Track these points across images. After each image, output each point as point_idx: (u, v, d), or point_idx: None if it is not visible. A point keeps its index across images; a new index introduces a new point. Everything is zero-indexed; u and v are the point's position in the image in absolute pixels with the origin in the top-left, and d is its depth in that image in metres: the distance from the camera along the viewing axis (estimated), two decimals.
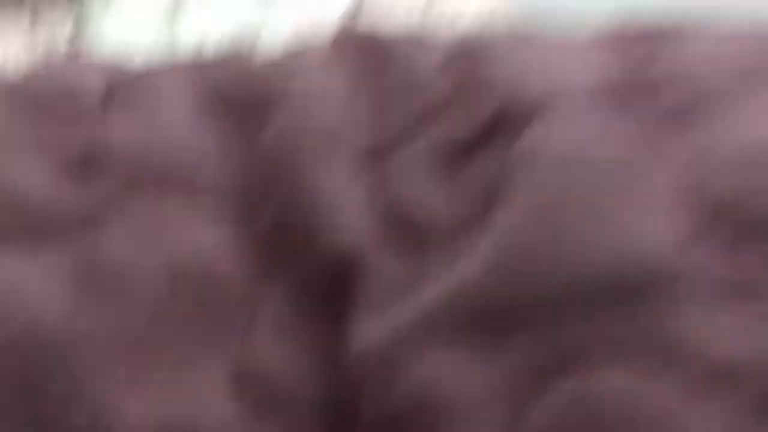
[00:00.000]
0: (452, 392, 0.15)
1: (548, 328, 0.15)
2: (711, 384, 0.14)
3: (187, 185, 0.18)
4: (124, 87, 0.20)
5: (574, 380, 0.14)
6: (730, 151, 0.16)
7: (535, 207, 0.16)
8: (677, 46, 0.20)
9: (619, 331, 0.14)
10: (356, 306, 0.16)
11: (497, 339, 0.15)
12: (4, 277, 0.15)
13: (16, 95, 0.19)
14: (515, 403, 0.15)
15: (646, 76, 0.18)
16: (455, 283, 0.16)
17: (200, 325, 0.16)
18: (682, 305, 0.14)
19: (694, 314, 0.14)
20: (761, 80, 0.18)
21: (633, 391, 0.14)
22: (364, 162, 0.18)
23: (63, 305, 0.15)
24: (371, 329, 0.16)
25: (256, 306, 0.16)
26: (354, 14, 0.22)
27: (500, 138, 0.18)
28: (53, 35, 0.39)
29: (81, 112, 0.19)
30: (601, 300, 0.14)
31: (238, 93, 0.20)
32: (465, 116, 0.18)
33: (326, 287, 0.17)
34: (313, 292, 0.17)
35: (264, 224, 0.17)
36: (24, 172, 0.17)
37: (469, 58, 0.20)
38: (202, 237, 0.17)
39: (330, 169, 0.18)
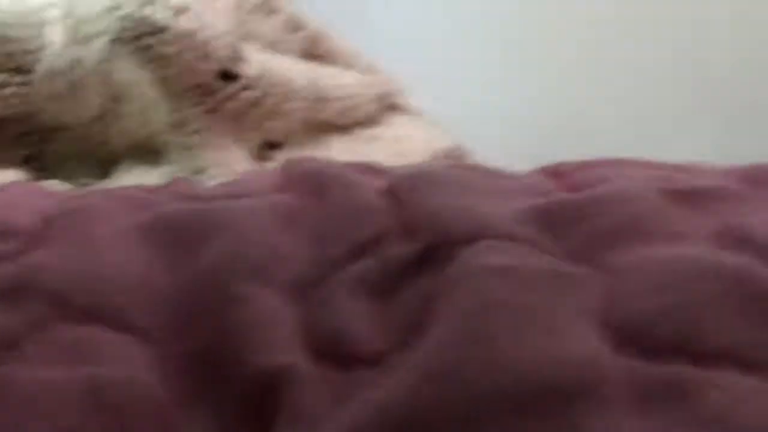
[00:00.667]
0: None
1: None
2: None
3: (117, 309, 0.18)
4: (63, 216, 0.20)
5: None
6: (643, 275, 0.17)
7: (461, 325, 0.16)
8: (600, 177, 0.22)
9: None
10: (283, 425, 0.16)
11: None
12: None
13: None
14: None
15: (572, 205, 0.20)
16: (382, 399, 0.16)
17: None
18: (604, 409, 0.14)
19: (615, 418, 0.14)
20: (676, 207, 0.20)
21: None
22: (295, 291, 0.18)
23: None
24: None
25: (179, 425, 0.16)
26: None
27: (429, 268, 0.18)
28: None
29: (9, 247, 0.19)
30: (526, 407, 0.14)
31: (178, 221, 0.20)
32: (396, 248, 0.19)
33: (254, 407, 0.16)
34: (241, 411, 0.16)
35: (194, 345, 0.17)
36: None
37: (405, 191, 0.21)
38: (126, 361, 0.17)
39: (261, 297, 0.18)
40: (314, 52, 0.50)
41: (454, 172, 0.22)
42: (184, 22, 0.40)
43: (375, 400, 0.16)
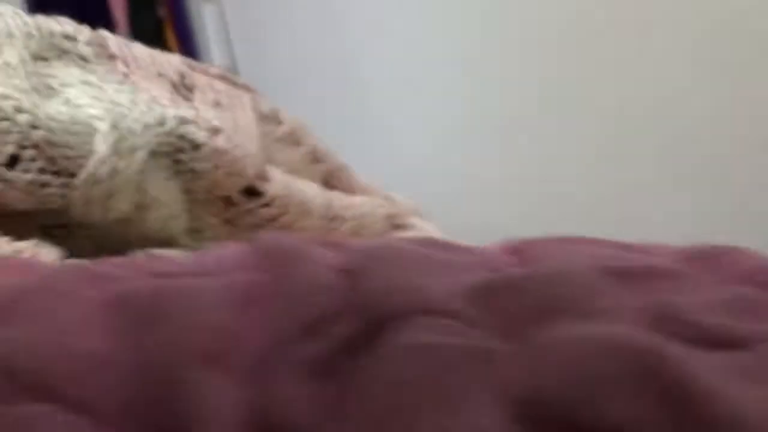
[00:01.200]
0: None
1: None
2: None
3: (69, 390, 0.17)
4: (22, 294, 0.20)
5: None
6: (557, 352, 0.18)
7: (371, 406, 0.17)
8: (548, 254, 0.23)
9: None
10: None
11: None
12: None
13: None
14: None
15: (511, 281, 0.20)
16: None
17: None
18: None
19: None
20: (611, 285, 0.20)
21: None
22: (245, 374, 0.19)
23: None
24: None
25: None
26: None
27: (365, 346, 0.19)
28: None
29: None
30: None
31: (137, 300, 0.20)
32: (343, 327, 0.19)
33: None
34: None
35: (145, 428, 0.17)
36: None
37: (358, 268, 0.22)
38: None
39: (207, 383, 0.18)
40: (333, 182, 0.53)
41: (408, 248, 0.22)
42: (219, 142, 0.43)
43: None
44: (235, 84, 0.51)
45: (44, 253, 0.32)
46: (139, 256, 0.26)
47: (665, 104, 0.94)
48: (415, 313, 0.19)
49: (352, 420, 0.17)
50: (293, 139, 0.50)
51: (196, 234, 0.43)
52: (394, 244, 0.23)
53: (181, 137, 0.41)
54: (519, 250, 0.24)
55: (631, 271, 0.21)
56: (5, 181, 0.33)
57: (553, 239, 0.24)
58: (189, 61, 0.50)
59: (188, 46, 2.67)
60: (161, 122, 0.39)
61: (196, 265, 0.24)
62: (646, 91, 0.95)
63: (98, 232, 0.38)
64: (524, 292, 0.20)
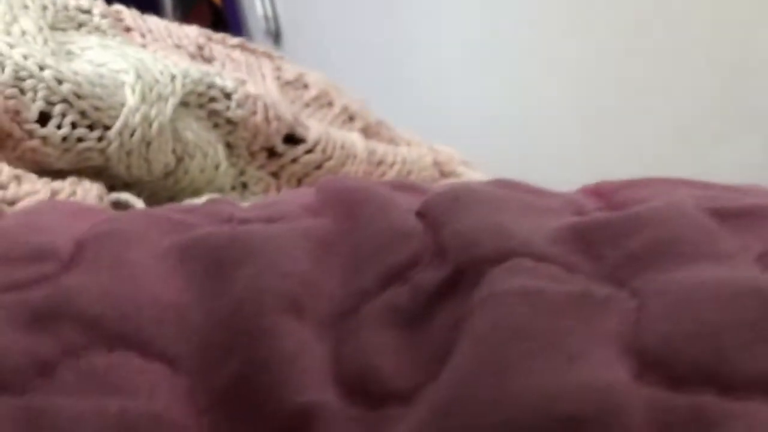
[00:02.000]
0: None
1: None
2: None
3: (147, 338, 0.17)
4: (97, 238, 0.20)
5: None
6: (674, 298, 0.16)
7: (477, 353, 0.15)
8: (641, 196, 0.21)
9: None
10: None
11: None
12: None
13: None
14: None
15: (608, 224, 0.19)
16: (406, 426, 0.15)
17: None
18: None
19: None
20: (719, 227, 0.18)
21: None
22: (327, 324, 0.18)
23: None
24: None
25: None
26: None
27: (457, 292, 0.17)
28: None
29: (45, 269, 0.19)
30: None
31: (211, 246, 0.20)
32: (428, 272, 0.18)
33: None
34: None
35: (225, 377, 0.17)
36: None
37: (439, 211, 0.20)
38: (157, 393, 0.16)
39: (291, 330, 0.17)
40: (372, 137, 0.52)
41: (490, 190, 0.21)
42: (249, 88, 0.42)
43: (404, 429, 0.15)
44: (254, 52, 0.50)
45: (83, 190, 0.32)
46: (206, 202, 0.26)
47: None
48: (509, 257, 0.17)
49: (453, 369, 0.15)
50: (323, 102, 0.49)
51: (243, 189, 0.42)
52: (473, 186, 0.21)
53: (211, 86, 0.40)
54: (602, 193, 0.22)
55: (739, 212, 0.19)
56: (40, 138, 0.33)
57: (639, 181, 0.23)
58: (206, 32, 0.49)
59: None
60: (185, 74, 0.39)
61: (266, 210, 0.22)
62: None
63: (146, 192, 0.37)
64: (626, 234, 0.18)
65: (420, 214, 0.20)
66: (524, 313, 0.16)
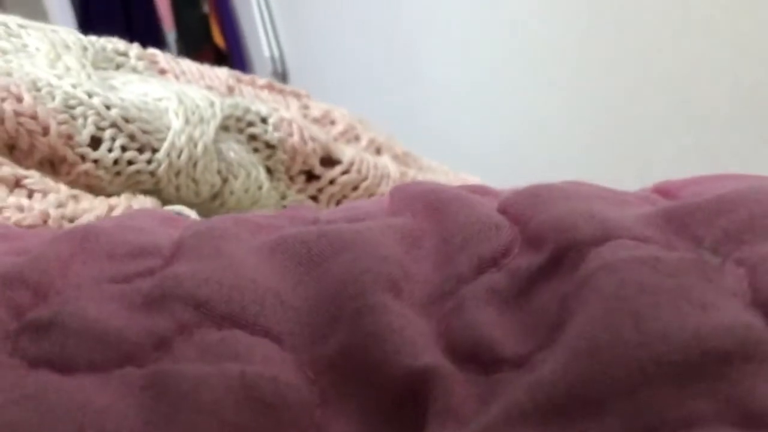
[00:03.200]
0: None
1: (628, 406, 0.14)
2: None
3: (252, 317, 0.18)
4: (194, 236, 0.20)
5: None
6: None
7: (608, 306, 0.15)
8: (712, 187, 0.21)
9: (699, 400, 0.14)
10: (429, 419, 0.15)
11: (578, 425, 0.14)
12: (78, 396, 0.15)
13: (91, 243, 0.20)
14: None
15: (697, 207, 0.19)
16: (533, 382, 0.15)
17: None
18: (760, 373, 0.14)
19: None
20: None
21: None
22: (426, 306, 0.18)
23: (135, 420, 0.15)
24: None
25: (323, 423, 0.16)
26: None
27: (559, 272, 0.18)
28: None
29: (149, 263, 0.20)
30: (686, 373, 0.14)
31: (303, 241, 0.20)
32: (523, 259, 0.19)
33: (400, 406, 0.16)
34: (387, 410, 0.16)
35: (330, 350, 0.17)
36: (100, 308, 0.17)
37: (523, 206, 0.21)
38: (270, 361, 0.17)
39: (395, 307, 0.17)
40: (399, 163, 0.53)
41: (569, 186, 0.21)
42: (282, 113, 0.44)
43: (525, 384, 0.15)
44: (281, 92, 0.51)
45: (138, 203, 0.33)
46: (288, 208, 0.27)
47: None
48: (609, 238, 0.18)
49: (580, 326, 0.15)
50: (350, 136, 0.50)
51: None
52: (550, 184, 0.22)
53: (247, 111, 0.42)
54: (668, 190, 0.23)
55: None
56: (92, 161, 0.34)
57: (700, 177, 0.23)
58: (236, 73, 0.50)
59: (234, 40, 2.71)
60: (223, 101, 0.40)
61: (348, 213, 0.23)
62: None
63: (197, 212, 0.38)
64: (717, 215, 0.18)
65: (501, 210, 0.21)
66: (646, 273, 0.16)
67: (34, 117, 0.33)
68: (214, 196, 0.38)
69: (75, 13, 2.95)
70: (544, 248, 0.18)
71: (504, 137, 1.25)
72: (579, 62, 1.04)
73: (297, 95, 0.53)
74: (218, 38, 2.80)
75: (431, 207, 0.22)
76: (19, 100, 0.33)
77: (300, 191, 0.44)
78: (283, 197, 0.43)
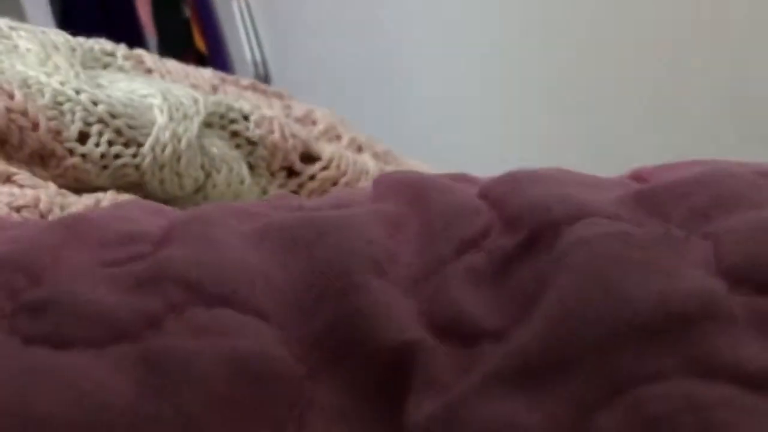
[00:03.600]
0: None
1: (597, 365, 0.15)
2: (755, 391, 0.14)
3: (241, 297, 0.18)
4: (182, 223, 0.21)
5: (628, 394, 0.15)
6: (746, 231, 0.18)
7: (581, 277, 0.17)
8: (684, 170, 0.22)
9: (664, 357, 0.15)
10: (413, 388, 0.16)
11: (550, 385, 0.15)
12: (74, 369, 0.16)
13: (82, 231, 0.21)
14: (576, 423, 0.15)
15: (666, 188, 0.20)
16: (512, 349, 0.16)
17: (258, 410, 0.16)
18: (727, 329, 0.15)
19: (737, 335, 0.15)
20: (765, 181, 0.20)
21: (685, 395, 0.14)
22: (409, 285, 0.19)
23: (128, 392, 0.15)
24: (430, 401, 0.16)
25: (311, 395, 0.17)
26: None
27: (536, 250, 0.19)
28: None
29: (140, 249, 0.20)
30: (655, 332, 0.15)
31: (288, 226, 0.21)
32: (501, 240, 0.20)
33: (385, 377, 0.17)
34: (371, 382, 0.17)
35: (317, 326, 0.18)
36: (93, 290, 0.18)
37: (501, 191, 0.22)
38: (259, 337, 0.17)
39: (379, 286, 0.18)
40: (380, 162, 0.54)
41: (546, 171, 0.23)
42: (264, 111, 0.45)
43: (502, 352, 0.16)
44: (265, 92, 0.53)
45: (122, 198, 0.34)
46: (273, 196, 0.28)
47: None
48: (583, 217, 0.19)
49: (554, 297, 0.16)
50: (331, 135, 0.51)
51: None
52: (529, 170, 0.23)
53: (230, 108, 0.43)
54: (642, 176, 0.24)
55: None
56: (80, 155, 0.35)
57: (672, 164, 0.24)
58: (220, 74, 0.52)
59: (216, 45, 2.71)
60: (206, 98, 0.42)
61: (332, 200, 0.24)
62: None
63: (179, 209, 0.40)
64: (685, 195, 0.20)
65: (481, 196, 0.22)
66: (617, 246, 0.17)
67: (24, 113, 0.34)
68: (198, 190, 0.40)
69: (55, 20, 2.95)
70: (521, 229, 0.19)
71: (483, 137, 1.27)
72: (558, 65, 1.06)
73: (280, 96, 0.54)
74: (199, 42, 2.81)
75: (413, 194, 0.23)
76: (11, 97, 0.34)
77: (281, 186, 0.45)
78: (264, 192, 0.44)
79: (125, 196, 0.35)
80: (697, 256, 0.17)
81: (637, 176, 0.24)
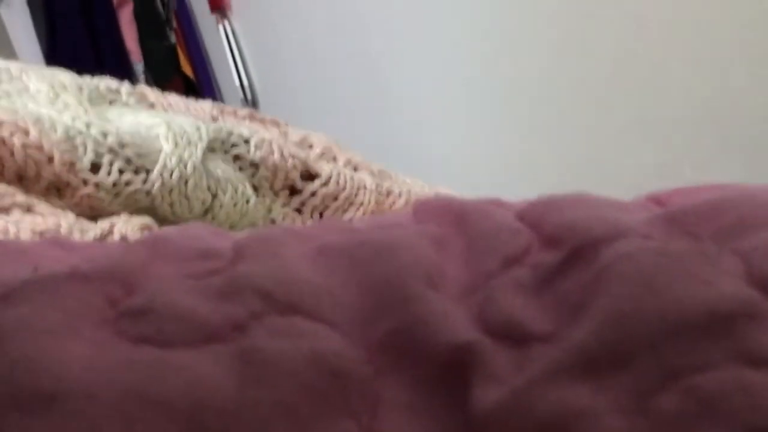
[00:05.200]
0: (578, 417, 0.17)
1: (651, 358, 0.17)
2: None
3: (310, 307, 0.20)
4: (250, 242, 0.24)
5: (682, 381, 0.17)
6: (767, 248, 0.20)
7: (628, 285, 0.19)
8: (694, 197, 0.25)
9: (711, 350, 0.17)
10: (473, 383, 0.18)
11: (609, 376, 0.17)
12: (180, 363, 0.18)
13: (163, 248, 0.23)
14: (639, 405, 0.17)
15: (692, 209, 0.22)
16: (567, 346, 0.18)
17: (339, 400, 0.18)
18: (761, 328, 0.18)
19: None
20: None
21: (734, 378, 0.17)
22: (460, 296, 0.21)
23: (230, 383, 0.18)
24: (495, 390, 0.18)
25: (380, 391, 0.19)
26: None
27: (578, 265, 0.21)
28: None
29: (216, 264, 0.22)
30: (701, 330, 0.17)
31: (345, 246, 0.23)
32: (543, 256, 0.22)
33: (443, 376, 0.19)
34: (432, 380, 0.19)
35: (379, 334, 0.20)
36: (184, 298, 0.20)
37: (537, 213, 0.24)
38: (330, 340, 0.19)
39: (434, 296, 0.20)
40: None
41: (575, 196, 0.25)
42: (263, 134, 0.47)
43: (560, 348, 0.18)
44: (262, 121, 0.56)
45: (135, 222, 0.37)
46: (324, 219, 0.30)
47: None
48: (620, 237, 0.21)
49: (603, 302, 0.18)
50: (328, 157, 0.54)
51: (273, 225, 0.47)
52: (559, 195, 0.25)
53: (230, 133, 0.46)
54: (659, 199, 0.26)
55: None
56: (94, 184, 0.38)
57: (687, 188, 0.26)
58: (219, 105, 0.55)
59: (203, 69, 2.74)
60: (207, 126, 0.44)
61: (378, 222, 0.26)
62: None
63: None
64: (710, 217, 0.22)
65: (518, 218, 0.24)
66: (658, 259, 0.20)
67: (40, 148, 0.37)
68: (206, 211, 0.42)
69: (42, 46, 2.96)
70: (562, 247, 0.22)
71: (473, 159, 1.29)
72: (543, 85, 1.09)
73: (276, 123, 0.57)
74: (186, 67, 2.83)
75: (455, 216, 0.25)
76: (26, 133, 0.37)
77: (284, 205, 0.48)
78: (270, 211, 0.47)
79: (138, 219, 0.37)
80: (731, 268, 0.20)
81: (657, 200, 0.26)
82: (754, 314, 0.18)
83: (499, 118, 1.20)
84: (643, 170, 0.95)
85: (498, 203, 0.26)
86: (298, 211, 0.48)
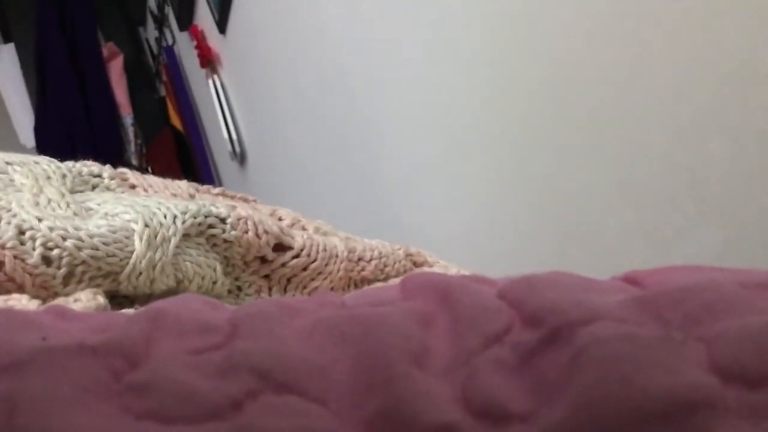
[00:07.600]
0: None
1: None
2: None
3: (304, 386, 0.22)
4: (245, 318, 0.25)
5: None
6: (738, 333, 0.22)
7: (598, 373, 0.20)
8: (674, 277, 0.27)
9: None
10: None
11: None
12: None
13: (164, 322, 0.25)
14: None
15: (663, 294, 0.24)
16: (543, 428, 0.19)
17: None
18: (724, 418, 0.19)
19: (733, 423, 0.19)
20: (754, 293, 0.25)
21: None
22: (443, 374, 0.23)
23: None
24: None
25: None
26: None
27: (556, 345, 0.22)
28: None
29: (214, 340, 0.24)
30: (663, 419, 0.19)
31: (336, 323, 0.25)
32: (524, 335, 0.23)
33: None
34: None
35: (368, 413, 0.21)
36: (184, 374, 0.21)
37: (518, 293, 0.25)
38: (322, 419, 0.21)
39: (419, 376, 0.22)
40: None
41: (555, 276, 0.27)
42: (240, 212, 0.49)
43: (537, 429, 0.20)
44: (233, 197, 0.59)
45: (97, 298, 0.39)
46: (316, 294, 0.31)
47: None
48: (595, 320, 0.23)
49: (577, 387, 0.20)
50: (298, 227, 0.57)
51: (238, 292, 0.50)
52: (539, 275, 0.27)
53: (207, 215, 0.47)
54: (635, 279, 0.28)
55: (760, 282, 0.25)
56: (65, 295, 0.40)
57: (662, 268, 0.28)
58: (194, 184, 0.58)
59: (192, 122, 2.76)
60: (185, 211, 0.46)
61: (368, 298, 0.28)
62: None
63: (148, 300, 0.44)
64: (680, 301, 0.24)
65: (500, 296, 0.26)
66: (627, 346, 0.21)
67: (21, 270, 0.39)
68: (169, 291, 0.45)
69: (32, 100, 2.99)
70: (541, 327, 0.23)
71: (463, 217, 1.30)
72: (525, 140, 1.10)
73: (246, 200, 0.59)
74: (175, 120, 2.85)
75: (440, 293, 0.27)
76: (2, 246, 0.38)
77: (253, 273, 0.50)
78: (237, 279, 0.50)
79: (93, 303, 0.39)
80: (693, 356, 0.21)
81: (632, 280, 0.28)
82: (713, 404, 0.19)
83: (482, 181, 1.22)
84: (626, 229, 0.96)
85: (481, 280, 0.28)
86: (267, 276, 0.50)
